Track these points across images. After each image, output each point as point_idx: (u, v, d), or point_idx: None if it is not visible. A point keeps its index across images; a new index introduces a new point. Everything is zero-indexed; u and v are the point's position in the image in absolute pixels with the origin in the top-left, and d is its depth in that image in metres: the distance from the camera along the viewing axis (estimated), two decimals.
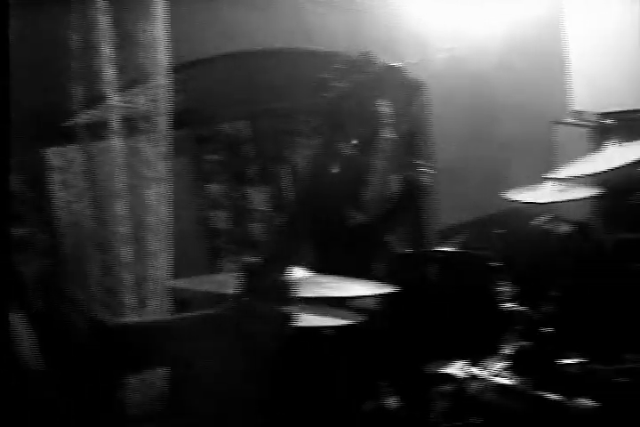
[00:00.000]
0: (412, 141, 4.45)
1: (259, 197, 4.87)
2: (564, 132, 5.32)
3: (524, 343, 3.45)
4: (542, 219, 4.17)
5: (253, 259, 2.33)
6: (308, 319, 3.08)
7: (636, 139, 4.01)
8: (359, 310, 3.24)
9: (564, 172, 3.81)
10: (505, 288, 3.53)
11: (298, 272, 2.92)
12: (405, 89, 4.57)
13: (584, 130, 5.13)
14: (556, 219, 4.20)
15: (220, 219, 4.90)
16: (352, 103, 3.70)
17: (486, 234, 4.32)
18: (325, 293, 2.79)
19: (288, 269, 2.38)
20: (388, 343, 3.41)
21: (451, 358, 3.36)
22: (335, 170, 3.66)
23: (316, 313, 3.16)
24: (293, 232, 3.15)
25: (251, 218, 4.89)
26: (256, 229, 4.89)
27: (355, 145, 3.70)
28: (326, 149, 3.77)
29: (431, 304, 3.38)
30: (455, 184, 5.04)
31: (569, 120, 5.31)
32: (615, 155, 3.73)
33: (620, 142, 3.74)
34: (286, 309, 2.17)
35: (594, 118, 5.11)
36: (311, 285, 2.83)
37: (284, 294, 2.19)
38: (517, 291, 3.55)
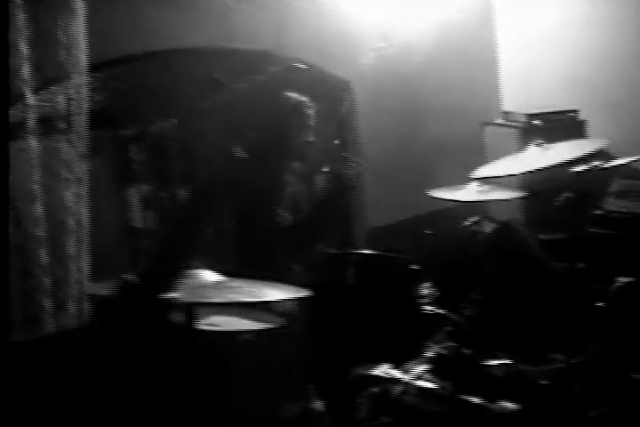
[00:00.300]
0: (340, 142, 4.38)
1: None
2: (494, 133, 5.35)
3: (447, 346, 3.44)
4: (471, 220, 4.18)
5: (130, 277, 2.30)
6: (225, 323, 3.16)
7: (561, 140, 4.02)
8: (279, 313, 3.27)
9: (485, 172, 3.78)
10: (426, 291, 3.55)
11: (208, 276, 2.95)
12: (331, 89, 4.57)
13: (513, 131, 5.15)
14: (484, 219, 4.21)
15: (148, 220, 4.82)
16: (250, 103, 3.65)
17: (415, 235, 4.35)
18: (236, 298, 2.76)
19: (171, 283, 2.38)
20: (309, 347, 3.38)
21: (374, 361, 3.36)
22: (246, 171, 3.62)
23: (233, 316, 3.20)
24: (180, 241, 3.10)
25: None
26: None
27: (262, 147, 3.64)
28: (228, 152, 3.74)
29: (349, 308, 3.34)
30: (383, 185, 5.05)
31: (498, 121, 5.35)
32: (536, 157, 3.71)
33: (541, 144, 3.73)
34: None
35: (522, 119, 5.14)
36: (222, 289, 2.81)
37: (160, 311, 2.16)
38: (439, 293, 3.59)
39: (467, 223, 4.17)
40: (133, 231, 4.73)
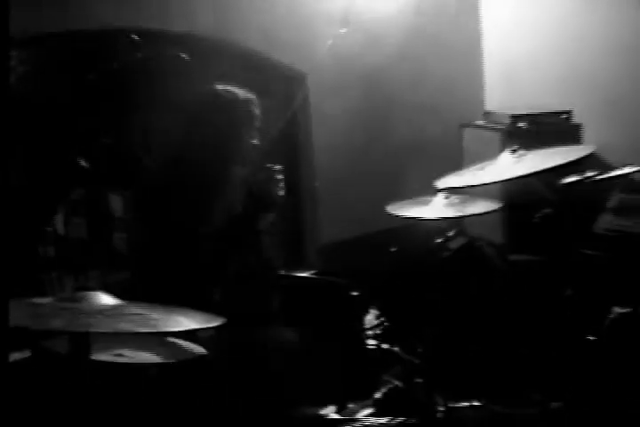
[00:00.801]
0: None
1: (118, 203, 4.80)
2: (474, 137, 5.28)
3: (396, 386, 3.45)
4: (444, 235, 4.14)
5: None
6: (129, 355, 3.09)
7: (551, 145, 3.93)
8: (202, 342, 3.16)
9: (450, 181, 3.72)
10: (371, 322, 3.50)
11: (102, 300, 2.77)
12: (281, 83, 4.50)
13: (495, 134, 5.07)
14: (459, 235, 4.18)
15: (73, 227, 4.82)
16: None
17: (374, 253, 4.30)
18: (127, 328, 2.61)
19: None
20: (227, 383, 3.29)
21: (310, 402, 3.34)
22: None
23: (141, 347, 3.14)
24: None
25: (112, 226, 4.83)
26: (117, 239, 4.80)
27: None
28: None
29: (275, 340, 3.25)
30: (341, 195, 5.05)
31: (479, 122, 5.28)
32: (509, 165, 3.62)
33: (515, 150, 3.63)
34: None
35: (506, 121, 5.06)
36: (112, 317, 2.65)
37: None
38: (387, 325, 3.52)
39: (439, 240, 4.10)
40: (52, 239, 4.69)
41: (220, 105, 3.56)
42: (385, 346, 3.44)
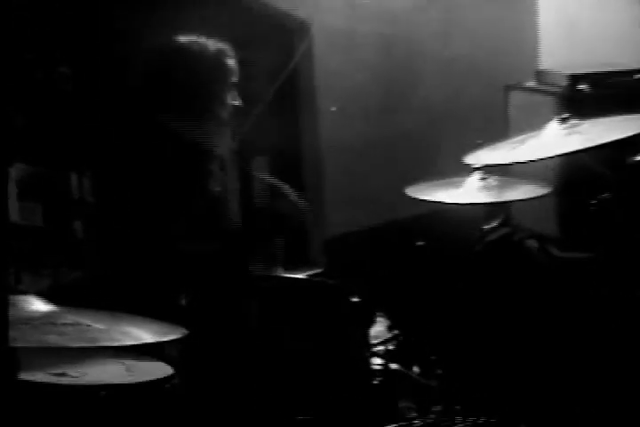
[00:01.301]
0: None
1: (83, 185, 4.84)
2: (522, 101, 5.31)
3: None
4: (487, 227, 4.17)
5: None
6: (74, 375, 3.11)
7: (618, 113, 3.90)
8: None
9: (482, 157, 3.76)
10: (379, 336, 3.52)
11: (34, 306, 2.88)
12: (278, 34, 4.50)
13: (550, 98, 5.10)
14: (502, 227, 4.22)
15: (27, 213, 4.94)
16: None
17: (392, 248, 4.33)
18: (56, 341, 2.63)
19: None
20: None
21: None
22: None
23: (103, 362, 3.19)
24: None
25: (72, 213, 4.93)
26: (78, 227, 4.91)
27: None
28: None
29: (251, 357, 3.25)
30: (355, 175, 5.06)
31: (529, 84, 5.31)
32: (558, 138, 3.59)
33: (566, 120, 3.61)
34: None
35: (563, 82, 5.09)
36: (41, 328, 2.74)
37: None
38: (400, 340, 3.53)
39: (478, 232, 4.14)
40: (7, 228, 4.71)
41: (182, 59, 3.59)
42: (394, 366, 3.44)
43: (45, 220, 4.99)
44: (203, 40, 3.66)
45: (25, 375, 2.93)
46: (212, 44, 3.66)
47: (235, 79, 3.69)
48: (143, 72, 3.75)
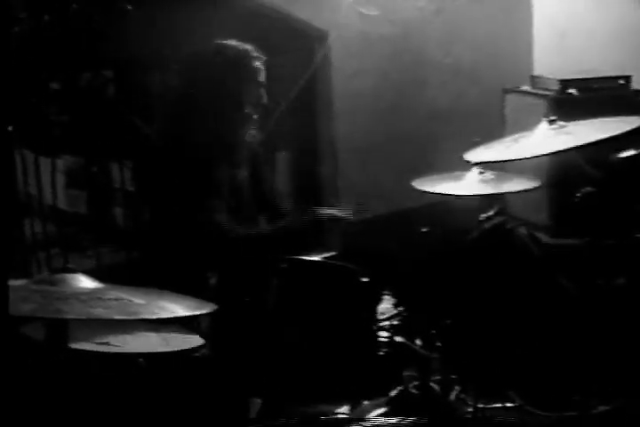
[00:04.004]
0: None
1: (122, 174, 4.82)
2: (517, 103, 5.29)
3: (412, 385, 3.45)
4: (484, 215, 4.09)
5: None
6: (116, 344, 3.12)
7: (606, 115, 3.89)
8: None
9: (479, 155, 3.73)
10: (386, 312, 3.47)
11: (80, 282, 2.78)
12: (300, 39, 4.48)
13: (542, 101, 5.08)
14: (497, 216, 4.13)
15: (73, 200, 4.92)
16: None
17: (400, 234, 4.27)
18: (102, 314, 2.62)
19: None
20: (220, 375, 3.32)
21: (321, 399, 3.33)
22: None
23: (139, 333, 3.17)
24: None
25: (113, 200, 4.92)
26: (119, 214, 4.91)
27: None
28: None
29: (273, 333, 3.25)
30: (364, 168, 5.03)
31: (524, 88, 5.28)
32: (547, 137, 3.57)
33: (554, 121, 3.61)
34: None
35: (555, 86, 5.07)
36: (88, 302, 2.66)
37: None
38: (404, 315, 3.49)
39: (478, 220, 4.09)
40: (56, 214, 4.72)
41: (218, 62, 3.59)
42: (399, 339, 3.39)
43: (89, 207, 4.98)
44: (235, 43, 3.66)
45: (75, 345, 3.00)
46: (243, 48, 3.65)
47: (262, 79, 3.69)
48: (181, 72, 3.78)
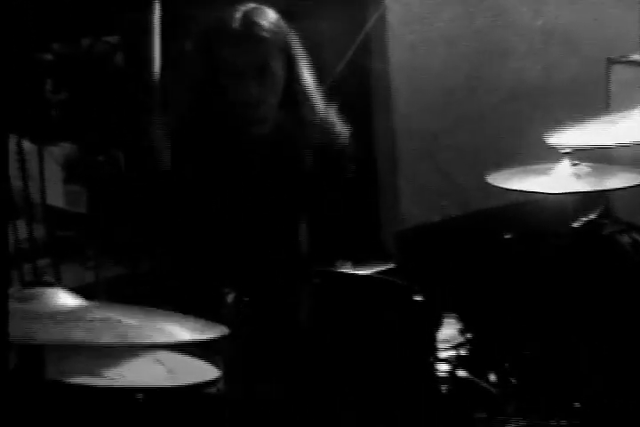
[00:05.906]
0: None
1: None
2: (626, 76, 5.32)
3: None
4: (584, 219, 4.13)
5: None
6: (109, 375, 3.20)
7: None
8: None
9: (567, 138, 3.79)
10: (449, 340, 3.54)
11: (60, 300, 2.87)
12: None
13: None
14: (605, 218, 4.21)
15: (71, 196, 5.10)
16: None
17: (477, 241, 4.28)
18: (80, 337, 2.68)
19: None
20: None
21: None
22: None
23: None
24: None
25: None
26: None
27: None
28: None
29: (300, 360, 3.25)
30: (434, 158, 5.09)
31: (634, 57, 5.32)
32: None
33: None
34: None
35: None
36: (65, 323, 2.73)
37: None
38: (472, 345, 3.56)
39: (577, 225, 4.10)
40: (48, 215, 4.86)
41: (230, 33, 3.67)
42: (463, 374, 3.46)
43: (90, 206, 5.08)
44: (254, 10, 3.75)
45: (59, 376, 3.08)
46: (271, 15, 3.76)
47: (294, 53, 3.78)
48: (197, 41, 3.87)
